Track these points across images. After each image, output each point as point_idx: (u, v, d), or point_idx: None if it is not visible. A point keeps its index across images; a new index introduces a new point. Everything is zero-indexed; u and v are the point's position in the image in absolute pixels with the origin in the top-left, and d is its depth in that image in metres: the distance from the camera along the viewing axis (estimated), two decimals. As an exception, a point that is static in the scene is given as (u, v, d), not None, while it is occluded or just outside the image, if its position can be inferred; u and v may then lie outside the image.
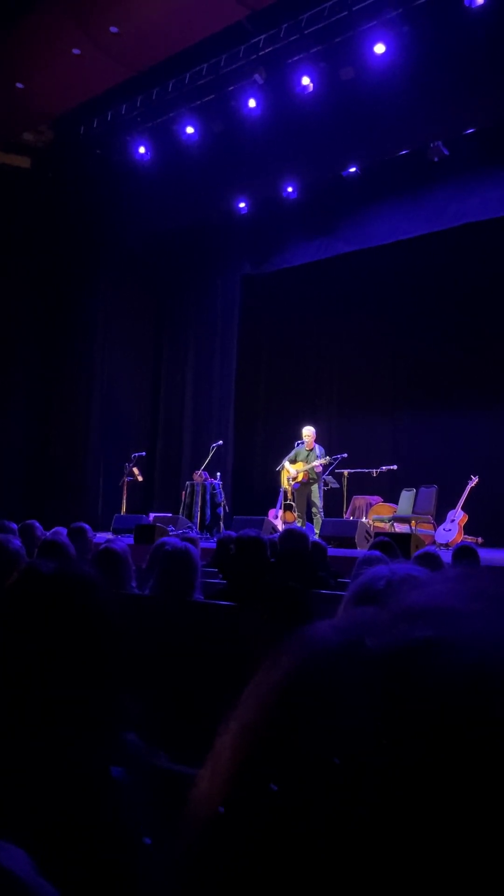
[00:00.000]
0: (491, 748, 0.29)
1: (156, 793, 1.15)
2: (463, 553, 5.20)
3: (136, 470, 11.42)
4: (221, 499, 10.77)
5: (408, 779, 0.29)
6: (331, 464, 10.07)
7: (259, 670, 0.37)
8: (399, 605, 0.37)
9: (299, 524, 9.64)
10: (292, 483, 10.00)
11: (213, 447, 11.15)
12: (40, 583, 1.29)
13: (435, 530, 9.65)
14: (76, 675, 1.21)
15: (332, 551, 6.68)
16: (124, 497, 11.36)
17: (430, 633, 0.33)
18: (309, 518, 9.91)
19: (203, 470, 10.96)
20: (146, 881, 0.99)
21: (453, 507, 9.74)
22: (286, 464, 10.08)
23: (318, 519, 9.72)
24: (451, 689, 0.30)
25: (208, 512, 10.60)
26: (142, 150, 11.52)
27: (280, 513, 10.57)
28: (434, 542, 9.21)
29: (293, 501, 10.20)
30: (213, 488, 10.74)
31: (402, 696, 0.31)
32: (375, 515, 10.15)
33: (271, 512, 10.76)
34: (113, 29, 8.96)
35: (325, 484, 10.13)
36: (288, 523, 9.88)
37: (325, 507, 10.02)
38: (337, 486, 10.42)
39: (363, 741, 0.30)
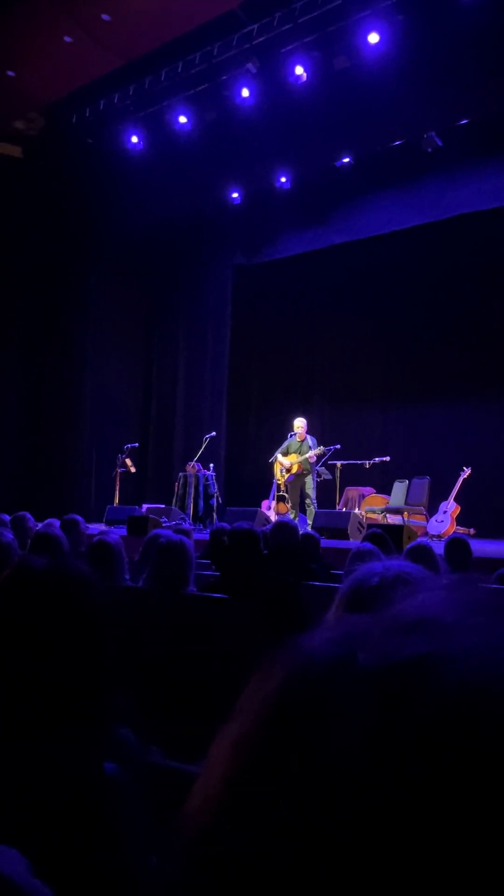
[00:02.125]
0: (482, 768, 0.29)
1: (150, 788, 1.15)
2: (455, 545, 5.22)
3: (128, 461, 11.41)
4: (214, 490, 10.77)
5: (399, 798, 0.29)
6: (324, 454, 10.08)
7: (251, 681, 0.36)
8: (392, 615, 0.36)
9: (292, 516, 9.65)
10: (286, 475, 10.00)
11: (206, 438, 11.14)
12: (32, 579, 1.29)
13: (427, 521, 9.68)
14: (69, 672, 1.21)
15: (324, 542, 6.69)
16: (117, 488, 11.35)
17: (425, 647, 0.32)
18: (302, 509, 9.93)
19: (196, 461, 10.96)
20: (141, 879, 1.00)
21: (446, 498, 9.77)
22: (279, 456, 10.08)
23: (312, 510, 9.74)
24: (447, 707, 0.30)
25: (201, 503, 10.60)
26: (134, 139, 11.45)
27: (273, 504, 10.58)
28: (426, 534, 9.24)
29: (286, 493, 10.20)
30: (206, 480, 10.73)
31: (397, 714, 0.31)
32: (368, 507, 10.17)
33: (264, 503, 10.77)
34: (105, 17, 8.89)
35: (318, 475, 10.14)
36: (281, 515, 9.89)
37: (317, 498, 10.03)
38: (329, 477, 10.43)
39: (356, 759, 0.30)
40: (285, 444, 10.12)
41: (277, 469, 10.14)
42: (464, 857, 0.28)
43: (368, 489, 10.63)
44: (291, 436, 10.12)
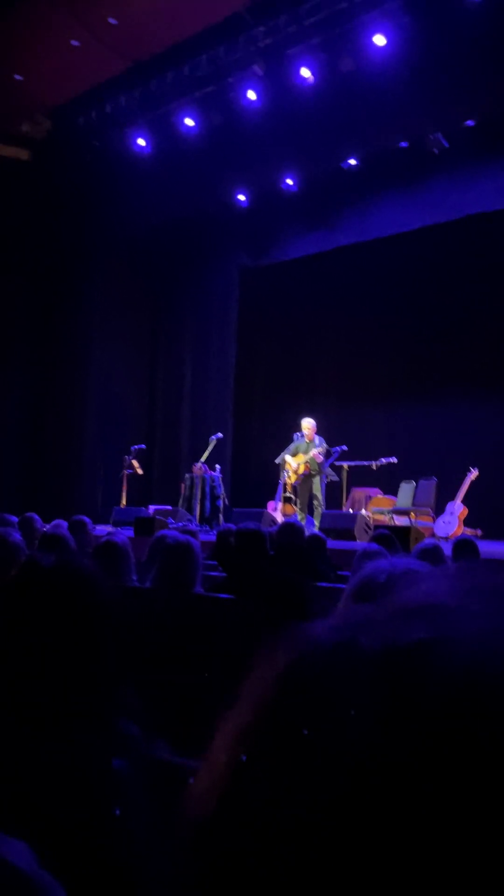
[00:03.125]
0: (485, 750, 0.29)
1: (157, 784, 1.16)
2: (462, 546, 5.21)
3: (135, 462, 11.42)
4: (221, 491, 10.77)
5: (403, 781, 0.29)
6: (330, 454, 10.05)
7: (255, 668, 0.37)
8: (395, 602, 0.37)
9: (299, 517, 9.63)
10: (294, 477, 9.96)
11: (213, 440, 11.14)
12: (40, 576, 1.30)
13: (434, 523, 9.66)
14: (77, 668, 1.22)
15: (331, 544, 6.68)
16: (124, 490, 11.36)
17: (427, 632, 0.33)
18: (310, 510, 9.91)
19: (202, 462, 10.96)
20: (147, 873, 1.00)
21: (452, 499, 9.74)
22: (287, 457, 10.05)
23: (319, 511, 9.71)
24: (448, 691, 0.30)
25: (208, 504, 10.60)
26: (141, 141, 11.47)
27: (279, 505, 10.56)
28: (433, 535, 9.21)
29: (293, 494, 10.19)
30: (213, 481, 10.73)
31: (398, 698, 0.31)
32: (375, 508, 10.15)
33: (270, 504, 10.76)
34: (111, 20, 8.92)
35: (326, 476, 10.12)
36: (287, 516, 9.87)
37: (324, 499, 10.00)
38: (336, 478, 10.41)
39: (358, 742, 0.31)
40: (293, 444, 10.09)
41: (287, 470, 10.11)
42: (467, 840, 0.28)
43: (375, 490, 10.61)
44: (299, 437, 10.08)
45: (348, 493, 10.60)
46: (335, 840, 0.30)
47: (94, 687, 1.23)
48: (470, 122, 9.56)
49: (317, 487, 9.84)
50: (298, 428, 10.14)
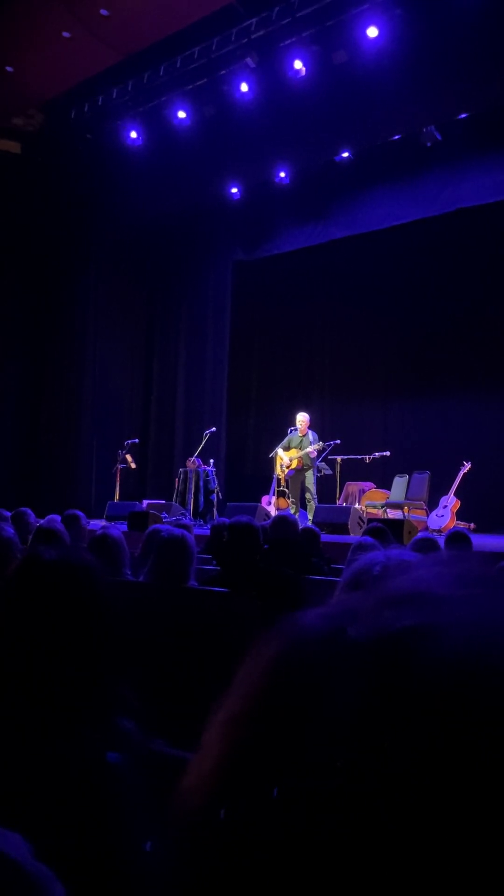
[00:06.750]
0: (473, 735, 0.29)
1: (153, 778, 1.16)
2: (455, 539, 5.22)
3: (129, 457, 11.41)
4: (215, 485, 10.77)
5: (393, 764, 0.30)
6: (324, 449, 10.07)
7: (246, 660, 0.37)
8: (384, 590, 0.37)
9: (293, 511, 9.64)
10: (286, 470, 9.98)
11: (207, 434, 11.13)
12: (42, 570, 1.29)
13: (427, 516, 9.68)
14: (75, 662, 1.22)
15: (325, 537, 6.70)
16: (117, 484, 11.35)
17: (415, 619, 0.33)
18: (303, 504, 9.92)
19: (196, 457, 10.96)
20: (143, 867, 1.01)
21: (446, 492, 9.77)
22: (279, 451, 10.07)
23: (312, 505, 9.73)
24: (436, 678, 0.31)
25: (201, 499, 10.60)
26: (133, 134, 11.43)
27: (273, 499, 10.57)
28: (426, 528, 9.24)
29: (286, 488, 10.20)
30: (207, 475, 10.73)
31: (387, 685, 0.31)
32: (368, 501, 10.17)
33: (264, 498, 10.77)
34: (103, 12, 8.87)
35: (319, 471, 10.13)
36: (281, 510, 9.89)
37: (317, 493, 10.02)
38: (330, 472, 10.43)
39: (348, 731, 0.31)
40: (286, 438, 10.11)
41: (278, 464, 10.12)
42: (460, 826, 0.28)
43: (368, 484, 10.63)
44: (293, 430, 10.09)
45: (342, 487, 10.61)
46: (327, 828, 0.30)
47: (91, 681, 1.23)
48: (463, 115, 9.55)
49: (309, 482, 9.86)
50: (293, 422, 10.15)
